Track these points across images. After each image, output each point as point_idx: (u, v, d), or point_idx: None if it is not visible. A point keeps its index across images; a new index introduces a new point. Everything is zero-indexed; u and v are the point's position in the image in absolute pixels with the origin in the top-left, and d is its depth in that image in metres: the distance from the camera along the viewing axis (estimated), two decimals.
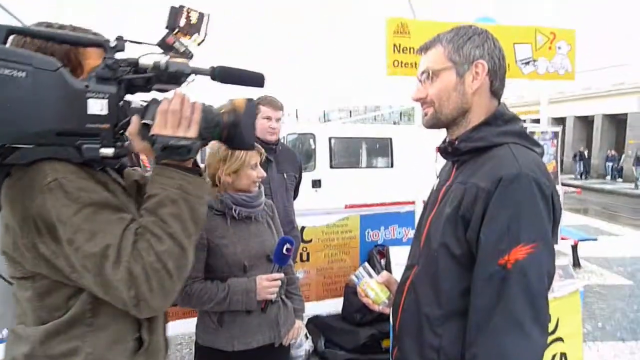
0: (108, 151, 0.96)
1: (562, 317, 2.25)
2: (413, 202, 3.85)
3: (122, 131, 0.99)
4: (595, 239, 6.83)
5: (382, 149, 9.00)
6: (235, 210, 1.78)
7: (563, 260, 2.69)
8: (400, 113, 10.88)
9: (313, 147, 8.43)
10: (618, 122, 22.14)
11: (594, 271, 6.19)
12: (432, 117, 1.23)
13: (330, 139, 8.38)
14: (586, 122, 24.16)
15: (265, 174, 1.85)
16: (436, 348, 1.14)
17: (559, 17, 2.85)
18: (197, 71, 1.03)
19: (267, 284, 1.74)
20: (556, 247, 1.10)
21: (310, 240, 3.68)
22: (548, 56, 2.67)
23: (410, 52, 2.32)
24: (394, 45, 2.34)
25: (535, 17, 2.81)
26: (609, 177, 21.17)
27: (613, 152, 21.38)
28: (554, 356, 2.24)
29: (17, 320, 1.04)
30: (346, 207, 3.89)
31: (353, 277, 1.44)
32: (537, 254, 1.01)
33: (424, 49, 1.24)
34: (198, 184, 1.01)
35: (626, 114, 20.33)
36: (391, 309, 1.36)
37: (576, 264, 6.20)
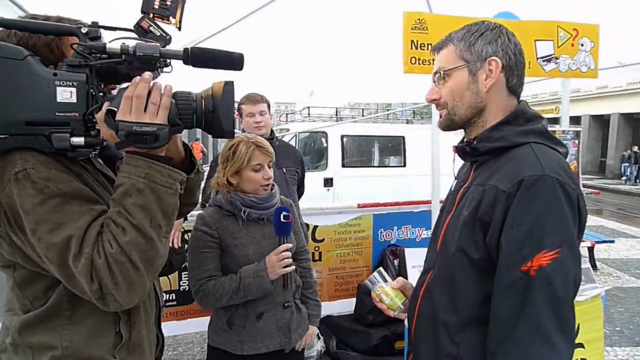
0: (79, 140, 0.94)
1: (583, 322, 2.18)
2: (427, 202, 3.80)
3: (94, 119, 0.96)
4: (613, 241, 6.70)
5: (394, 147, 8.92)
6: (244, 212, 1.74)
7: (583, 263, 2.61)
8: (414, 112, 10.74)
9: (325, 145, 8.38)
10: (635, 121, 21.74)
11: (611, 274, 6.06)
12: (446, 119, 1.19)
13: (342, 137, 8.32)
14: (601, 121, 23.77)
15: (272, 175, 1.79)
16: (454, 356, 1.10)
17: (582, 9, 2.73)
18: (168, 54, 0.99)
19: (276, 258, 1.69)
20: None
21: (323, 240, 3.65)
22: (570, 53, 2.59)
23: (427, 48, 2.26)
24: (412, 41, 2.28)
25: (557, 10, 2.70)
26: (624, 178, 20.73)
27: (630, 151, 20.94)
28: None
29: (5, 308, 1.05)
30: (359, 206, 3.84)
31: (367, 283, 1.40)
32: (563, 260, 0.96)
33: (437, 49, 1.20)
34: (167, 173, 0.97)
35: None
36: (407, 314, 1.32)
37: (593, 266, 6.08)
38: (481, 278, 1.06)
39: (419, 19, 2.31)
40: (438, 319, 1.14)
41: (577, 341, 2.17)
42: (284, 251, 1.69)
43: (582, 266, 2.41)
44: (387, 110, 12.77)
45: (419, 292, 1.24)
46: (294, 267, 1.72)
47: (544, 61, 2.52)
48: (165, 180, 0.97)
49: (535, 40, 2.53)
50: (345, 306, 3.67)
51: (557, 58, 2.55)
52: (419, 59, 2.27)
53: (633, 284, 5.69)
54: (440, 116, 1.21)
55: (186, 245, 2.60)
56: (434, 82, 1.20)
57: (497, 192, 1.02)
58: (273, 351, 1.77)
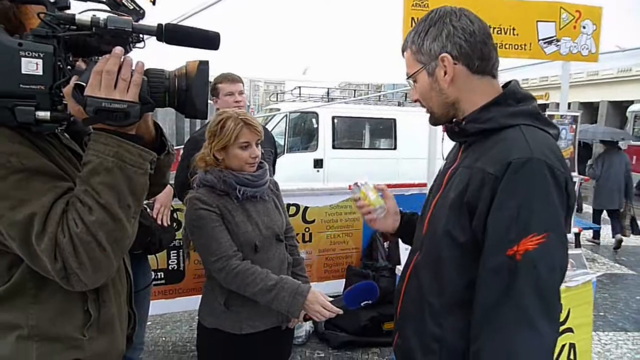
0: (45, 114, 0.89)
1: (574, 307, 2.19)
2: (418, 185, 3.78)
3: (61, 93, 0.92)
4: (599, 227, 6.79)
5: (385, 130, 8.87)
6: (239, 191, 1.69)
7: (575, 249, 2.62)
8: (405, 94, 10.63)
9: (316, 126, 8.29)
10: (623, 109, 21.84)
11: (596, 260, 6.16)
12: (431, 117, 1.22)
13: (333, 118, 8.25)
14: (591, 108, 23.89)
15: (259, 153, 1.74)
16: (438, 338, 1.10)
17: None
18: (141, 29, 0.94)
19: (319, 308, 1.59)
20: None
21: (313, 221, 3.62)
22: (572, 36, 2.53)
23: None
24: (412, 18, 2.20)
25: None
26: None
27: None
28: (563, 346, 2.19)
29: None
30: (350, 188, 3.80)
31: (354, 186, 1.44)
32: (549, 245, 0.94)
33: (402, 51, 1.21)
34: (137, 153, 0.94)
35: None
36: (395, 293, 1.31)
37: None
38: (467, 262, 1.05)
39: None
40: (424, 300, 1.14)
41: (567, 326, 2.18)
42: (329, 311, 1.60)
43: (575, 252, 2.43)
44: (378, 92, 12.67)
45: (406, 272, 1.24)
46: (323, 319, 1.63)
47: (545, 43, 2.45)
48: (135, 159, 0.94)
49: (537, 21, 2.45)
50: (334, 287, 3.66)
51: (558, 40, 2.49)
52: None
53: (617, 270, 5.79)
54: (427, 114, 1.23)
55: (175, 224, 2.55)
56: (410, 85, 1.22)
57: (485, 175, 1.01)
58: (270, 328, 1.75)
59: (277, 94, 12.31)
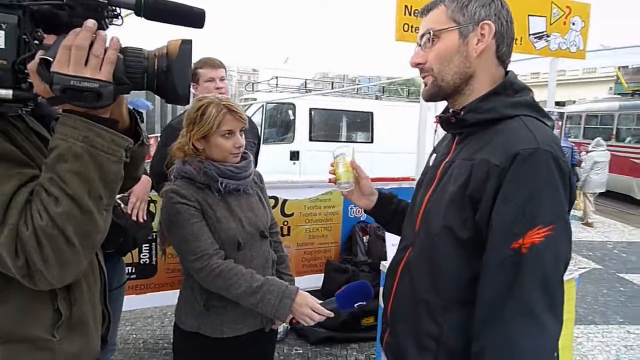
0: (6, 92, 0.82)
1: None
2: (397, 180, 3.74)
3: (26, 70, 0.83)
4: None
5: (362, 123, 8.86)
6: (221, 183, 1.56)
7: None
8: (383, 88, 10.61)
9: (292, 117, 8.19)
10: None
11: None
12: (432, 86, 1.11)
13: (310, 110, 8.16)
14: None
15: (244, 143, 1.62)
16: (435, 337, 1.06)
17: None
18: (118, 3, 0.86)
19: (309, 311, 1.49)
20: None
21: (292, 214, 3.54)
22: (562, 31, 2.52)
23: None
24: (405, 6, 2.13)
25: None
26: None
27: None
28: None
29: None
30: (330, 181, 3.73)
31: (338, 149, 1.47)
32: (555, 237, 0.92)
33: (425, 10, 1.13)
34: (110, 138, 0.86)
35: None
36: (382, 291, 1.28)
37: None
38: (468, 258, 1.01)
39: None
40: (419, 298, 1.10)
41: None
42: (319, 314, 1.50)
43: None
44: (355, 84, 12.63)
45: (396, 269, 1.20)
46: (312, 323, 1.51)
47: (535, 38, 2.43)
48: (108, 145, 0.85)
49: (529, 15, 2.43)
50: (312, 282, 3.61)
51: (548, 36, 2.48)
52: (412, 27, 2.12)
53: (585, 264, 5.95)
54: (425, 84, 1.13)
55: (150, 217, 2.39)
56: (420, 45, 1.12)
57: (489, 166, 0.97)
58: (253, 331, 1.65)
59: (252, 83, 12.11)
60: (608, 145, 9.37)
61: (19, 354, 0.92)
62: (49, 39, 0.87)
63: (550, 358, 0.95)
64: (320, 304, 1.51)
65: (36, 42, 0.85)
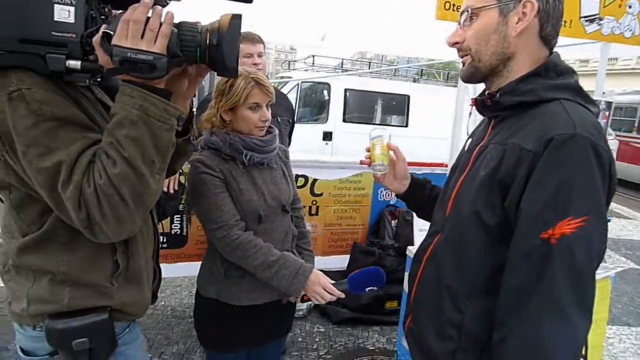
0: (75, 63, 0.89)
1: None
2: (432, 165, 3.67)
3: (92, 43, 0.91)
4: (609, 220, 6.68)
5: (398, 106, 8.68)
6: (246, 156, 1.59)
7: None
8: (421, 70, 10.34)
9: (327, 98, 8.11)
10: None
11: None
12: (469, 67, 1.08)
13: (346, 90, 8.06)
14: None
15: (269, 117, 1.63)
16: (457, 325, 1.05)
17: None
18: None
19: (320, 290, 1.53)
20: None
21: (321, 194, 3.53)
22: (617, 15, 2.35)
23: None
24: None
25: None
26: None
27: None
28: None
29: (4, 231, 1.06)
30: (361, 162, 3.69)
31: (374, 131, 1.45)
32: (588, 229, 0.87)
33: None
34: (163, 107, 0.93)
35: None
36: (407, 276, 1.28)
37: None
38: (493, 246, 0.99)
39: None
40: (443, 285, 1.09)
41: None
42: (331, 294, 1.53)
43: None
44: (392, 65, 12.37)
45: (422, 255, 1.18)
46: (323, 302, 1.55)
47: (586, 21, 2.28)
48: (161, 114, 0.92)
49: None
50: (338, 262, 3.62)
51: (601, 19, 2.32)
52: (453, 5, 2.03)
53: (623, 264, 5.72)
54: (463, 64, 1.10)
55: (181, 189, 2.43)
56: (459, 23, 1.09)
57: (522, 151, 0.93)
58: (270, 302, 1.68)
59: (289, 62, 12.06)
60: (630, 137, 9.04)
61: (83, 296, 1.05)
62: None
63: (573, 356, 0.91)
64: (332, 284, 1.54)
65: (102, 17, 0.93)
